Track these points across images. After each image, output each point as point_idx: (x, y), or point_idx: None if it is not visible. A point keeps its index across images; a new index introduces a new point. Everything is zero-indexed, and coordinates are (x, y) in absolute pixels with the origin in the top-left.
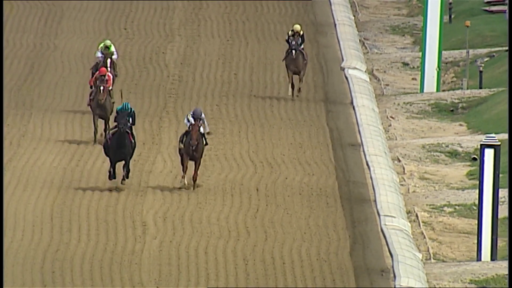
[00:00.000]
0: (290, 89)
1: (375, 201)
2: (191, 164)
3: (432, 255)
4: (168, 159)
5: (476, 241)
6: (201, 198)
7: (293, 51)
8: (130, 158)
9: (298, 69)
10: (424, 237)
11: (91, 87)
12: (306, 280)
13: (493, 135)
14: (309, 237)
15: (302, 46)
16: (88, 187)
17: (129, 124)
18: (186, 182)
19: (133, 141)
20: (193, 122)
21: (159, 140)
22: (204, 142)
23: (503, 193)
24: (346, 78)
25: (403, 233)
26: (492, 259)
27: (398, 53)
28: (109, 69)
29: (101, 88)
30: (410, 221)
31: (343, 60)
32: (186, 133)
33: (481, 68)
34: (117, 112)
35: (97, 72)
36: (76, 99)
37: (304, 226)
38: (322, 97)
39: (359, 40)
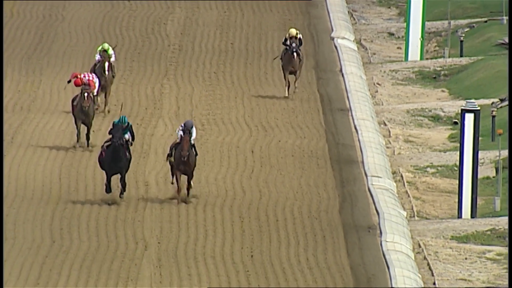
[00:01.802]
0: (286, 89)
1: (362, 162)
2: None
3: (416, 213)
4: (169, 123)
5: (457, 200)
6: (200, 159)
7: (294, 54)
8: (126, 171)
9: (295, 69)
10: (409, 196)
11: (71, 82)
12: (298, 236)
13: (473, 100)
14: (301, 196)
15: (300, 48)
16: (94, 150)
17: (128, 139)
18: (179, 199)
19: (128, 154)
20: (183, 133)
21: (160, 105)
22: (195, 153)
23: (482, 154)
24: (336, 47)
25: (389, 192)
26: (472, 217)
27: (384, 24)
28: (106, 72)
29: (85, 94)
30: (395, 181)
31: (332, 30)
32: (176, 145)
33: (461, 38)
34: (113, 124)
35: (83, 76)
36: (83, 67)
37: (296, 186)
38: (313, 65)
39: (348, 12)
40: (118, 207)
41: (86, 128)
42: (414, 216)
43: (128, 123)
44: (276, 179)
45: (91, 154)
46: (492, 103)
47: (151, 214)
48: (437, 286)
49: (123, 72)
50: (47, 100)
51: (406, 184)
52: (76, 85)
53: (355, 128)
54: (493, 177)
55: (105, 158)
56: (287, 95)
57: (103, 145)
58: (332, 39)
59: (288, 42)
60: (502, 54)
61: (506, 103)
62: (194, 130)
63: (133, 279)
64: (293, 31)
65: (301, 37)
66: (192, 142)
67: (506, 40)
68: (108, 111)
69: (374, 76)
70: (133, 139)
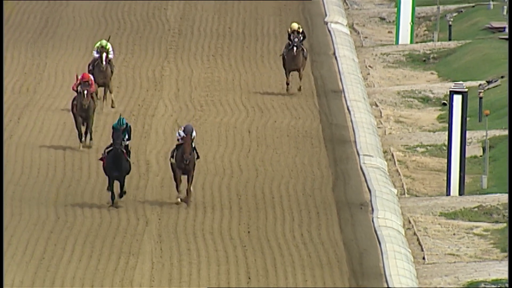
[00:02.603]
0: (286, 86)
1: (355, 142)
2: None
3: (406, 191)
4: (169, 104)
5: (445, 178)
6: (199, 139)
7: (295, 48)
8: (126, 176)
9: (298, 67)
10: (399, 174)
11: (76, 91)
12: (293, 213)
13: (461, 82)
14: (296, 174)
15: (302, 43)
16: (96, 130)
17: (125, 140)
18: (180, 200)
19: (128, 159)
20: (184, 135)
21: (160, 87)
22: (196, 156)
23: (470, 134)
24: (329, 31)
25: (380, 170)
26: (460, 194)
27: (376, 9)
28: (104, 63)
29: (85, 92)
30: (386, 160)
31: (326, 15)
32: (177, 147)
33: (450, 22)
34: (113, 128)
35: (80, 78)
36: (86, 50)
37: (291, 165)
38: (308, 48)
39: None
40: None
41: (86, 126)
42: (404, 194)
43: (127, 124)
44: (272, 158)
45: (94, 134)
46: (480, 85)
47: (152, 191)
48: (426, 260)
49: (125, 55)
50: (52, 82)
51: (396, 162)
52: (85, 79)
53: (348, 109)
54: (480, 156)
55: (106, 163)
56: (287, 91)
57: (104, 152)
58: (326, 23)
59: (291, 37)
60: (489, 38)
61: (493, 84)
62: (194, 134)
63: (135, 253)
64: (294, 25)
65: (303, 30)
66: (193, 145)
67: (493, 24)
68: (112, 106)
69: (366, 59)
70: (129, 139)
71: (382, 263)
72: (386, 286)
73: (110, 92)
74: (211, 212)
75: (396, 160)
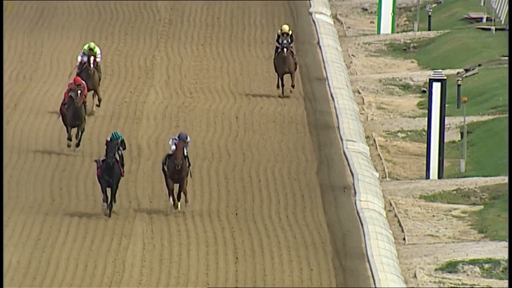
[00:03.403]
0: (281, 88)
1: (338, 127)
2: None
3: (387, 174)
4: (160, 92)
5: (425, 162)
6: (189, 125)
7: (284, 49)
8: (117, 185)
9: (290, 70)
10: (381, 159)
11: (64, 100)
12: (279, 196)
13: (440, 70)
14: (281, 158)
15: (291, 45)
16: (90, 116)
17: (119, 152)
18: (172, 205)
19: (121, 169)
20: (177, 142)
21: (152, 75)
22: (188, 164)
23: (449, 120)
24: (313, 21)
25: (363, 155)
26: (439, 178)
27: (358, 0)
28: (92, 65)
29: (79, 91)
30: (368, 145)
31: (310, 6)
32: (169, 155)
33: (430, 13)
34: (107, 142)
35: (71, 82)
36: (81, 39)
37: (277, 149)
38: (293, 38)
39: None
40: None
41: (76, 130)
42: (385, 177)
43: (121, 137)
44: (259, 143)
45: (88, 119)
46: (458, 73)
47: (143, 175)
48: (407, 241)
49: (117, 44)
50: (48, 70)
51: (378, 147)
52: (76, 82)
53: (332, 96)
54: (458, 141)
55: (101, 173)
56: (282, 93)
57: (99, 160)
58: (310, 14)
59: (280, 40)
60: (466, 28)
61: (471, 72)
62: (189, 139)
63: (127, 235)
64: (285, 27)
65: (292, 34)
66: (186, 153)
67: (471, 15)
68: (97, 105)
69: (349, 48)
70: (123, 148)
71: (364, 244)
72: (368, 265)
73: (98, 96)
74: (200, 195)
75: (377, 145)
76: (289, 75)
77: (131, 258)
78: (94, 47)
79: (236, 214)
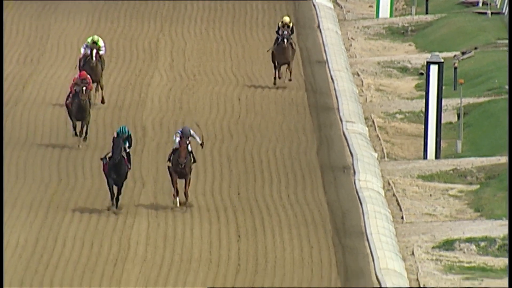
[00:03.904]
0: (275, 79)
1: (338, 109)
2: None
3: (386, 154)
4: (164, 74)
5: (422, 143)
6: (192, 106)
7: (285, 40)
8: (124, 181)
9: (287, 60)
10: (379, 139)
11: (70, 92)
12: (280, 176)
13: (437, 53)
14: (282, 139)
15: (291, 37)
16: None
17: (126, 148)
18: (178, 202)
19: (128, 165)
20: (180, 140)
21: (156, 58)
22: (192, 160)
23: (445, 102)
24: (314, 5)
25: (362, 136)
26: (436, 158)
27: None
28: (94, 58)
29: (84, 88)
30: (367, 126)
31: None
32: (174, 151)
33: None
34: (113, 138)
35: (77, 76)
36: (87, 23)
37: (278, 130)
38: (294, 22)
39: None
40: None
41: (81, 124)
42: (384, 157)
43: (129, 131)
44: (260, 124)
45: (94, 99)
46: (454, 56)
47: (148, 155)
48: (404, 220)
49: (123, 28)
50: (55, 53)
51: (377, 128)
52: (82, 77)
53: (331, 78)
54: (455, 122)
55: (107, 169)
56: (275, 84)
57: (105, 157)
58: None
59: (280, 31)
60: (463, 11)
61: (467, 55)
62: (195, 134)
63: (132, 213)
64: (286, 19)
65: (293, 25)
66: (190, 149)
67: None
68: (102, 102)
69: (349, 31)
70: (130, 146)
71: (363, 222)
72: (367, 243)
73: (101, 89)
74: (203, 175)
75: (376, 126)
76: (285, 66)
77: (136, 236)
78: (98, 40)
79: (239, 194)
